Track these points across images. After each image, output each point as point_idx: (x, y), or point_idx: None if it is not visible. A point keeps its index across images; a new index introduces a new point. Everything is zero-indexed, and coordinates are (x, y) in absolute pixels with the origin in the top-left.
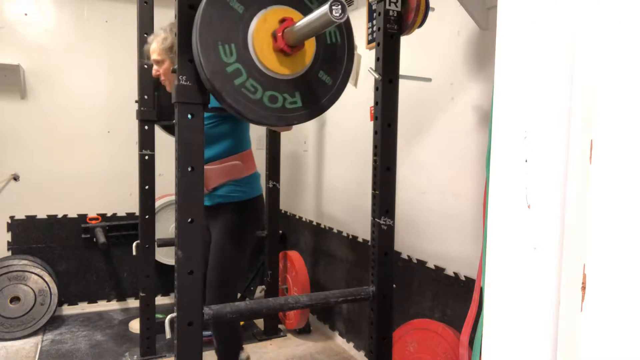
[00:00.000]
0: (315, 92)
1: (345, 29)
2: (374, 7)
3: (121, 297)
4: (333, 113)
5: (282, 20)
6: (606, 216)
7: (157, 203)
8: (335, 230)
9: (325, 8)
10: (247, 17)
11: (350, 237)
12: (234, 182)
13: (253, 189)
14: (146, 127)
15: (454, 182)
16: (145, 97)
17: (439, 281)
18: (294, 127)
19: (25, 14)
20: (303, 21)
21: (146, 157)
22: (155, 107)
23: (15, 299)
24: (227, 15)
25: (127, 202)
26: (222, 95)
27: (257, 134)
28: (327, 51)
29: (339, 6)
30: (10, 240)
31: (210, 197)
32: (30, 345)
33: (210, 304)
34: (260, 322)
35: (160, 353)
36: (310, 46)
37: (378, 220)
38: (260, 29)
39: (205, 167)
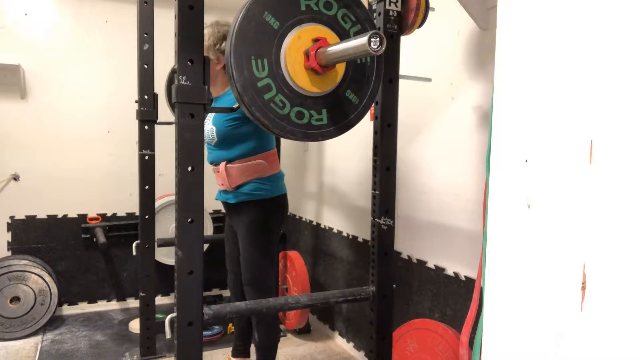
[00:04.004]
0: (342, 110)
1: None
2: (374, 7)
3: (121, 297)
4: None
5: (316, 40)
6: (606, 216)
7: (157, 203)
8: (335, 230)
9: (364, 40)
10: (282, 33)
11: (350, 237)
12: (258, 180)
13: (277, 188)
14: (146, 127)
15: (454, 182)
16: (145, 97)
17: (439, 281)
18: None
19: (25, 14)
20: (338, 47)
21: (146, 157)
22: (155, 107)
23: (15, 299)
24: (262, 30)
25: (127, 202)
26: (251, 108)
27: None
28: (357, 71)
29: (378, 39)
30: (10, 240)
31: (235, 194)
32: (30, 345)
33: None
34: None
35: (160, 353)
36: (341, 66)
37: (378, 220)
38: (294, 46)
39: (228, 165)
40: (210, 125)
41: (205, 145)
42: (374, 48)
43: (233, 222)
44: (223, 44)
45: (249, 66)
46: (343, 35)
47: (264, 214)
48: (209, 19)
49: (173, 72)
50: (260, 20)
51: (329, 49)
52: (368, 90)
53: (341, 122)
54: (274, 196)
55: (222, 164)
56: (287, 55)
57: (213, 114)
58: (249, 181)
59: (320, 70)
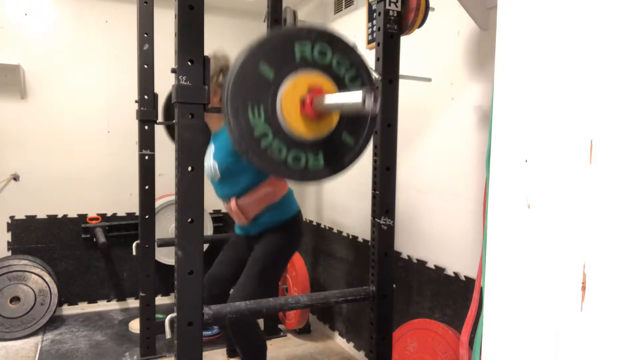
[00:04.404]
0: (338, 152)
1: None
2: (374, 7)
3: (121, 297)
4: None
5: (311, 88)
6: (606, 216)
7: (157, 203)
8: (335, 230)
9: (358, 97)
10: (277, 81)
11: (350, 237)
12: (271, 207)
13: (290, 208)
14: (146, 127)
15: (454, 182)
16: (145, 97)
17: (439, 281)
18: None
19: (25, 14)
20: (333, 99)
21: (146, 157)
22: (155, 107)
23: (15, 299)
24: (257, 79)
25: (127, 202)
26: (248, 155)
27: None
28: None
29: (372, 98)
30: (10, 240)
31: (253, 226)
32: (30, 345)
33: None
34: (260, 322)
35: (160, 353)
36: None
37: (378, 220)
38: (289, 94)
39: (239, 202)
40: (211, 161)
41: (210, 181)
42: (369, 106)
43: (253, 246)
44: (220, 78)
45: (245, 115)
46: (338, 81)
47: (283, 234)
48: (209, 19)
49: (170, 98)
50: (256, 70)
51: (325, 100)
52: (364, 132)
53: (337, 165)
54: (289, 217)
55: (233, 201)
56: (283, 103)
57: (213, 150)
58: (262, 211)
59: (316, 118)
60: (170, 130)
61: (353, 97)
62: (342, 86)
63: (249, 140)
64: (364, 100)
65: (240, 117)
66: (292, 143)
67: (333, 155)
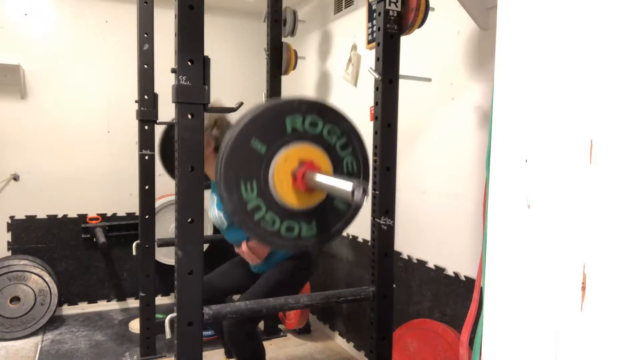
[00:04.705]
0: (331, 219)
1: (362, 158)
2: (374, 7)
3: (121, 297)
4: None
5: (302, 161)
6: (606, 216)
7: (157, 203)
8: None
9: (348, 188)
10: (269, 156)
11: (350, 237)
12: None
13: None
14: (146, 127)
15: (454, 182)
16: (145, 97)
17: (439, 281)
18: None
19: (25, 14)
20: (323, 181)
21: (146, 157)
22: (155, 107)
23: (15, 299)
24: (249, 155)
25: (127, 202)
26: (241, 227)
27: None
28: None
29: (361, 191)
30: (10, 240)
31: (266, 265)
32: (30, 345)
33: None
34: (260, 322)
35: (160, 353)
36: None
37: (378, 220)
38: (281, 168)
39: (250, 244)
40: (216, 211)
41: (218, 227)
42: (356, 200)
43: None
44: (214, 130)
45: (239, 190)
46: (329, 149)
47: (296, 266)
48: (209, 19)
49: (167, 132)
50: (248, 146)
51: (315, 178)
52: None
53: (331, 231)
54: (300, 250)
55: (244, 244)
56: (275, 176)
57: (216, 200)
58: (273, 249)
59: (307, 192)
60: (166, 162)
61: (343, 186)
62: (333, 154)
63: (242, 214)
64: (352, 193)
65: (233, 193)
66: (285, 214)
67: (326, 222)
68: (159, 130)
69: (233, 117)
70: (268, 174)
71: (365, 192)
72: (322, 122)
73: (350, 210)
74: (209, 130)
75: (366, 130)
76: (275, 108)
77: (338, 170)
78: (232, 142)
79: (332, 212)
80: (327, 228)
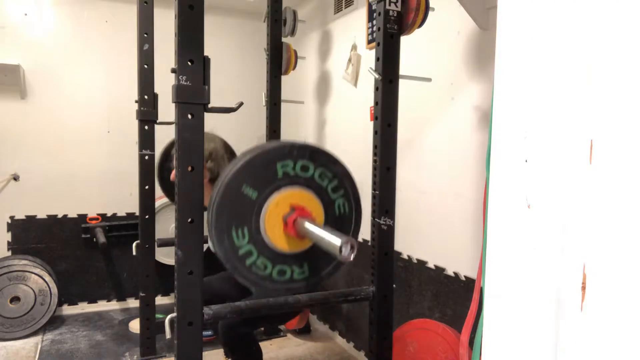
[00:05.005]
0: (323, 260)
1: (354, 200)
2: (374, 7)
3: (121, 297)
4: (333, 113)
5: (294, 206)
6: (606, 216)
7: (157, 203)
8: None
9: (336, 244)
10: (260, 201)
11: None
12: None
13: None
14: (146, 127)
15: (454, 182)
16: (145, 97)
17: (439, 281)
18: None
19: (25, 14)
20: (314, 231)
21: (146, 157)
22: (155, 107)
23: (15, 299)
24: (241, 201)
25: (127, 202)
26: (232, 273)
27: (257, 134)
28: (336, 222)
29: (349, 248)
30: (10, 240)
31: None
32: (30, 345)
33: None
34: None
35: (160, 353)
36: (319, 222)
37: (378, 220)
38: (272, 213)
39: None
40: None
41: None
42: (344, 255)
43: None
44: (209, 162)
45: (230, 236)
46: (321, 192)
47: None
48: (209, 19)
49: (165, 156)
50: (239, 192)
51: (306, 226)
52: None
53: (323, 272)
54: None
55: None
56: (266, 222)
57: None
58: None
59: (298, 238)
60: (165, 186)
61: (332, 240)
62: (325, 197)
63: (233, 260)
64: (340, 249)
65: (225, 240)
66: (276, 258)
67: (317, 265)
68: (159, 131)
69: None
70: (259, 219)
71: (353, 248)
72: (313, 165)
73: None
74: (204, 162)
75: (366, 130)
76: (267, 154)
77: (329, 213)
78: (223, 189)
79: (324, 255)
80: (319, 271)
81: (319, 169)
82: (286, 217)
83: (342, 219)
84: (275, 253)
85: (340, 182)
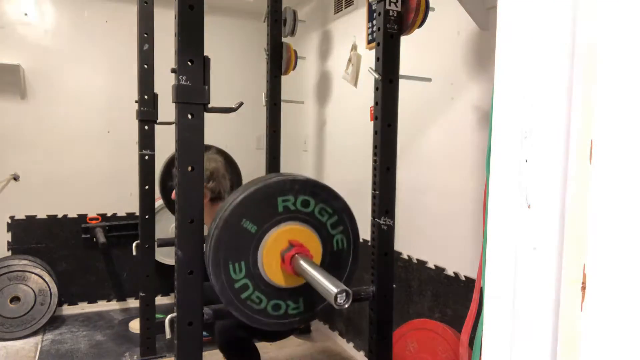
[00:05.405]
0: (317, 297)
1: (353, 234)
2: (374, 7)
3: (121, 297)
4: (333, 113)
5: (292, 242)
6: (606, 216)
7: (157, 203)
8: None
9: (332, 292)
10: (259, 236)
11: None
12: None
13: None
14: (146, 127)
15: (454, 182)
16: (145, 97)
17: (439, 281)
18: (294, 127)
19: (25, 14)
20: (310, 273)
21: (146, 157)
22: (155, 107)
23: (15, 299)
24: (239, 235)
25: (127, 202)
26: (227, 306)
27: (256, 133)
28: (333, 257)
29: (344, 296)
30: (10, 240)
31: None
32: (30, 345)
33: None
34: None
35: (160, 353)
36: (317, 255)
37: (378, 220)
38: (271, 248)
39: None
40: None
41: None
42: (339, 303)
43: None
44: (210, 183)
45: (227, 270)
46: (320, 229)
47: None
48: (209, 19)
49: (165, 172)
50: (239, 227)
51: (303, 265)
52: (344, 275)
53: (318, 308)
54: None
55: None
56: (264, 256)
57: None
58: None
59: (295, 275)
60: (165, 195)
61: (328, 287)
62: (324, 233)
63: (229, 293)
64: (335, 298)
65: (221, 273)
66: (272, 293)
67: (312, 300)
68: (159, 131)
69: (231, 121)
70: (257, 254)
71: (348, 297)
72: (314, 201)
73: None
74: (205, 182)
75: (366, 130)
76: (268, 189)
77: (328, 248)
78: (222, 223)
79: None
80: (314, 307)
81: (320, 204)
82: (284, 253)
83: (340, 255)
84: (271, 287)
85: (340, 218)
